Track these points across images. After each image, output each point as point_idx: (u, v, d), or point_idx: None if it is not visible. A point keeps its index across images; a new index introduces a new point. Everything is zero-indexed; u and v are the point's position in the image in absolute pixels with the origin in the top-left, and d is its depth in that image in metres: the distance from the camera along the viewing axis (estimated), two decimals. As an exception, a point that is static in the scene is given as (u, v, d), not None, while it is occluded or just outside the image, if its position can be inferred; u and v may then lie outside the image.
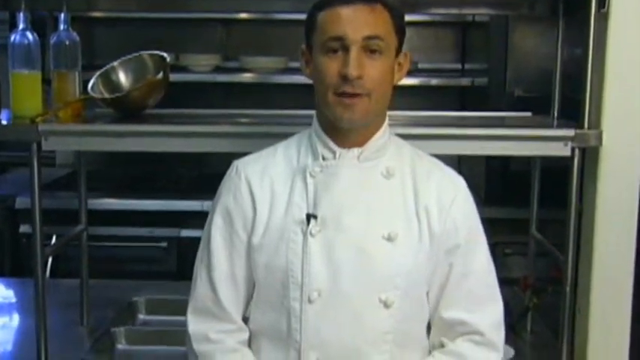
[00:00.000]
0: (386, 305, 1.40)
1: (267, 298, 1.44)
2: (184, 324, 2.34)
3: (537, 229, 2.40)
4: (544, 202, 2.42)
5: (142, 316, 2.62)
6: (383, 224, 1.43)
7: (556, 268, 2.30)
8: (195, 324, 1.48)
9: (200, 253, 1.50)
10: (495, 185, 3.33)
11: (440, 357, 1.45)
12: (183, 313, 2.61)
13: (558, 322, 2.12)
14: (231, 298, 1.46)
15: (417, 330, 1.47)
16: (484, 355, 1.46)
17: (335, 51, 1.39)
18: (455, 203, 1.46)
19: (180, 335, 2.43)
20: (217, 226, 1.47)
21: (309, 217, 1.42)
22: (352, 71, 1.36)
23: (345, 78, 1.36)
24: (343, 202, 1.43)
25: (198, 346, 1.47)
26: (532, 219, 2.41)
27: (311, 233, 1.41)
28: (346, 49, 1.37)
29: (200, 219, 3.37)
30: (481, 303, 1.48)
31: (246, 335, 1.48)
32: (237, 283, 1.46)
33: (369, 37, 1.38)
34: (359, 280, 1.40)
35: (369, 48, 1.38)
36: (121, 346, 2.39)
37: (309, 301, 1.40)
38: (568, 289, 2.06)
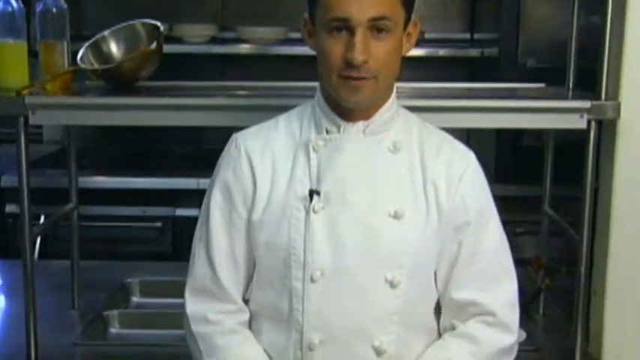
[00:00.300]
0: (392, 285, 1.40)
1: (268, 278, 1.43)
2: (180, 306, 2.33)
3: (550, 207, 2.39)
4: (558, 178, 2.41)
5: (135, 299, 2.61)
6: (389, 201, 1.42)
7: (570, 248, 2.29)
8: (193, 305, 1.48)
9: (198, 231, 1.49)
10: (506, 161, 3.32)
11: (450, 340, 1.45)
12: (179, 295, 2.60)
13: (572, 304, 2.11)
14: (230, 278, 1.46)
15: (424, 311, 1.47)
16: (497, 336, 1.45)
17: (339, 30, 1.37)
18: (464, 178, 1.45)
19: (176, 318, 2.44)
20: (216, 202, 1.46)
21: (312, 193, 1.41)
22: (357, 56, 1.34)
23: (349, 63, 1.34)
24: (348, 178, 1.42)
25: (196, 328, 1.47)
26: (545, 196, 2.39)
27: (314, 210, 1.40)
28: (351, 30, 1.35)
29: (196, 197, 3.41)
30: (493, 282, 1.47)
31: (246, 316, 1.48)
32: (237, 262, 1.45)
33: (375, 19, 1.35)
34: (364, 259, 1.40)
35: (376, 27, 1.36)
36: (114, 329, 2.39)
37: (312, 280, 1.39)
38: (583, 269, 2.05)
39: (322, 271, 1.39)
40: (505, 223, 1.51)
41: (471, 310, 1.45)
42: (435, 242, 1.43)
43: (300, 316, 1.39)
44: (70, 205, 2.44)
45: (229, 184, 1.45)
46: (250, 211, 1.43)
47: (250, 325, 1.48)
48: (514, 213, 2.97)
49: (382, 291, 1.40)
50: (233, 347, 1.44)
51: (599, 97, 1.98)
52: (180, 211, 3.37)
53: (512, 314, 1.48)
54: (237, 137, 1.50)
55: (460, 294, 1.45)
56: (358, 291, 1.39)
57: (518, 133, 3.33)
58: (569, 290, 2.18)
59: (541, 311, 2.40)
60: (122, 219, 3.39)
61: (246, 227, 1.44)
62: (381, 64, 1.36)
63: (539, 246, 2.49)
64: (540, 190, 2.44)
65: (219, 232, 1.45)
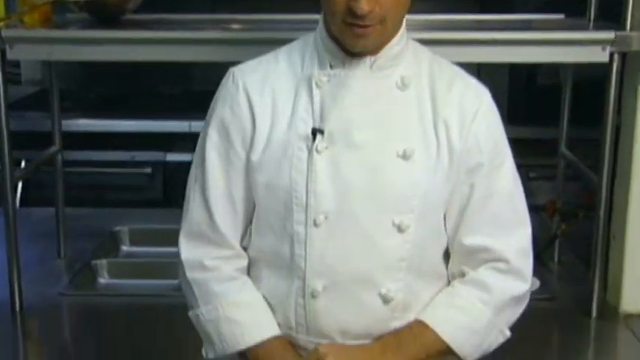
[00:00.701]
0: (400, 229, 1.38)
1: (268, 222, 1.42)
2: (173, 255, 2.32)
3: (567, 148, 2.37)
4: (575, 119, 2.39)
5: (125, 248, 2.62)
6: (397, 140, 1.39)
7: (587, 192, 2.29)
8: (188, 250, 1.47)
9: (193, 173, 1.47)
10: (520, 101, 3.29)
11: (460, 287, 1.44)
12: (171, 243, 2.59)
13: (589, 250, 2.12)
14: (228, 221, 1.44)
15: (433, 257, 1.45)
16: (510, 284, 1.45)
17: None
18: (478, 117, 1.42)
19: (168, 267, 2.47)
20: (212, 141, 1.43)
21: (315, 132, 1.38)
22: (363, 6, 1.30)
23: (354, 12, 1.31)
24: (353, 116, 1.39)
25: (192, 274, 1.46)
26: (562, 136, 2.38)
27: (317, 150, 1.37)
28: None
29: (188, 141, 3.38)
30: (506, 227, 1.45)
31: (244, 262, 1.47)
32: (235, 205, 1.44)
33: None
34: (370, 202, 1.37)
35: None
36: (103, 279, 2.40)
37: (315, 224, 1.37)
38: (602, 213, 2.05)
39: (326, 215, 1.37)
40: (518, 167, 1.50)
41: (482, 256, 1.44)
42: (446, 184, 1.41)
43: (303, 262, 1.38)
44: (54, 148, 2.42)
45: (226, 123, 1.43)
46: (249, 151, 1.41)
47: (249, 272, 1.47)
48: (527, 157, 2.94)
49: (389, 236, 1.38)
50: (230, 294, 1.43)
51: (623, 28, 1.94)
52: (172, 156, 3.36)
53: (525, 261, 1.48)
54: (235, 71, 1.47)
55: (471, 239, 1.44)
56: (364, 236, 1.38)
57: (532, 71, 3.30)
58: (586, 236, 2.18)
59: (556, 258, 2.40)
60: (109, 164, 3.37)
61: (244, 168, 1.42)
62: (388, 9, 1.33)
63: (554, 191, 2.48)
64: (556, 131, 2.42)
65: (216, 173, 1.43)
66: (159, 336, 2.04)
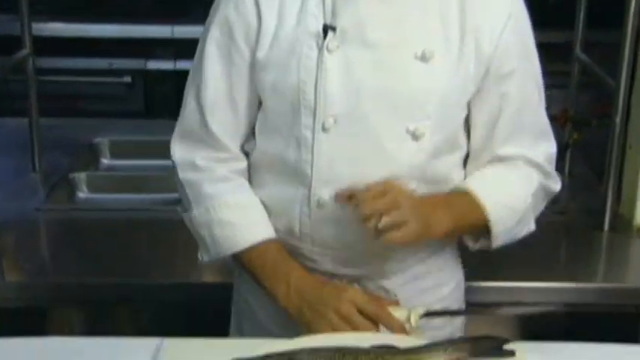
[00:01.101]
0: (414, 137, 1.36)
1: (275, 125, 1.39)
2: (156, 168, 2.34)
3: (583, 51, 2.34)
4: (592, 21, 2.35)
5: (105, 161, 2.61)
6: (416, 40, 1.35)
7: (602, 100, 2.27)
8: (180, 150, 1.46)
9: (192, 72, 1.45)
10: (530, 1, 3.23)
11: (505, 170, 1.43)
12: (154, 155, 2.61)
13: (603, 161, 2.11)
14: (224, 123, 1.42)
15: (448, 168, 1.44)
16: (546, 181, 1.46)
17: None
18: (510, 22, 1.38)
19: (151, 180, 2.46)
20: (214, 38, 1.40)
21: (326, 28, 1.34)
22: None
23: None
24: (368, 12, 1.35)
25: (184, 175, 1.45)
26: (577, 38, 2.35)
27: (328, 48, 1.34)
28: None
29: (170, 48, 3.34)
30: (538, 136, 1.45)
31: (242, 165, 1.45)
32: (236, 106, 1.41)
33: None
34: (383, 106, 1.35)
35: None
36: (82, 194, 2.40)
37: (324, 129, 1.35)
38: (618, 119, 2.04)
39: (335, 119, 1.35)
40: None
41: (517, 163, 1.45)
42: (467, 90, 1.38)
43: (309, 169, 1.36)
44: (24, 52, 2.37)
45: (230, 20, 1.39)
46: (254, 48, 1.38)
47: (252, 177, 1.46)
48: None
49: (403, 143, 1.36)
50: (223, 195, 1.42)
51: None
52: (153, 64, 3.31)
53: (554, 170, 1.49)
54: None
55: (505, 150, 1.43)
56: (375, 143, 1.35)
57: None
58: (599, 146, 2.17)
59: (567, 170, 2.40)
60: (86, 73, 3.33)
61: (248, 67, 1.39)
62: None
63: (566, 100, 2.46)
64: (570, 35, 2.38)
65: (216, 71, 1.40)
66: (142, 251, 2.04)
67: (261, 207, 1.43)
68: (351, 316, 1.32)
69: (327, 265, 1.42)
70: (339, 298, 1.33)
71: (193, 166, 1.44)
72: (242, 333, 1.54)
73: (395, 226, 1.27)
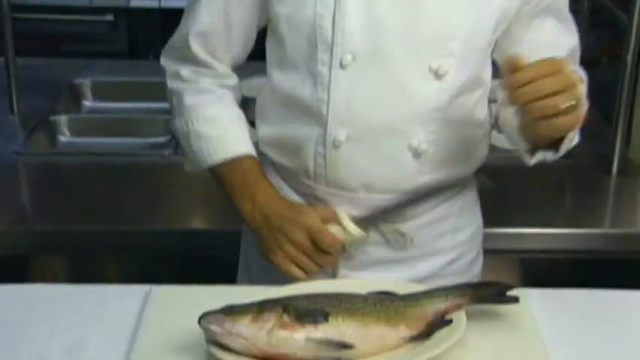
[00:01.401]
0: (437, 75, 1.33)
1: (292, 60, 1.37)
2: (141, 110, 2.32)
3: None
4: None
5: (87, 103, 2.60)
6: None
7: (613, 39, 2.25)
8: (168, 60, 1.48)
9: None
10: None
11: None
12: (139, 97, 2.59)
13: (612, 103, 2.10)
14: (213, 43, 1.41)
15: (472, 105, 1.43)
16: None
17: None
18: None
19: (136, 123, 2.45)
20: None
21: (345, -41, 1.33)
22: None
23: None
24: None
25: (171, 83, 1.47)
26: (586, -28, 2.32)
27: (346, -20, 1.32)
28: None
29: (155, -18, 3.30)
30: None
31: (230, 82, 1.45)
32: (229, 27, 1.39)
33: None
34: (405, 42, 1.32)
35: None
36: (63, 137, 2.39)
37: (341, 65, 1.33)
38: (629, 58, 2.02)
39: (353, 55, 1.32)
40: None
41: None
42: (495, 23, 1.36)
43: (325, 108, 1.35)
44: (-2, -15, 2.33)
45: None
46: None
47: (262, 114, 1.45)
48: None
49: (425, 82, 1.34)
50: (202, 107, 1.43)
51: None
52: (136, 1, 3.24)
53: None
54: None
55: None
56: (396, 81, 1.33)
57: None
58: (608, 87, 2.15)
59: (574, 112, 2.39)
60: (65, 10, 3.27)
61: None
62: None
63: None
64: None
65: None
66: (127, 197, 2.04)
67: (241, 122, 1.44)
68: (302, 247, 1.33)
69: (340, 208, 1.40)
70: (295, 223, 1.34)
71: (178, 76, 1.45)
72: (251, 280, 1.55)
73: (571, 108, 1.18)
